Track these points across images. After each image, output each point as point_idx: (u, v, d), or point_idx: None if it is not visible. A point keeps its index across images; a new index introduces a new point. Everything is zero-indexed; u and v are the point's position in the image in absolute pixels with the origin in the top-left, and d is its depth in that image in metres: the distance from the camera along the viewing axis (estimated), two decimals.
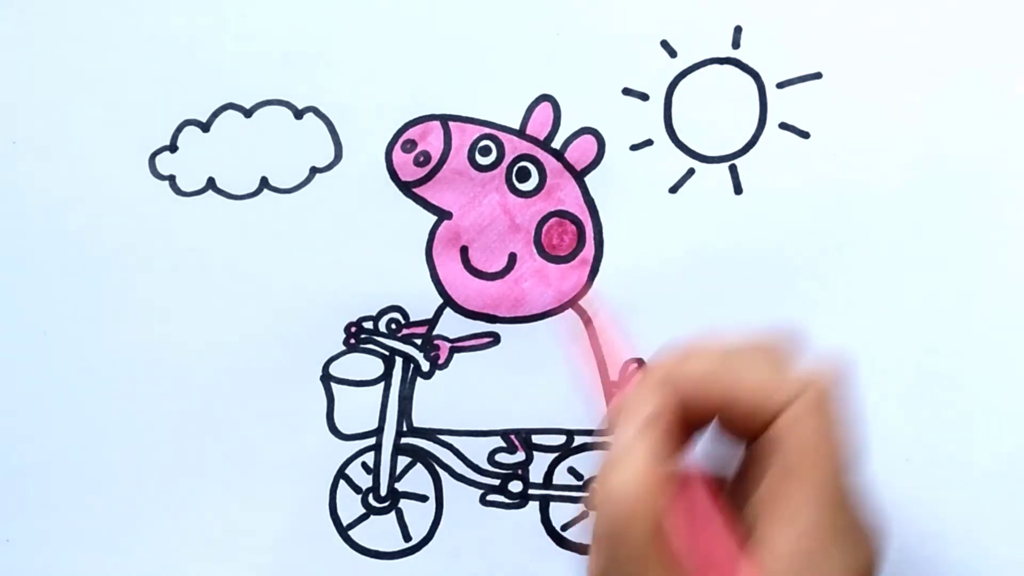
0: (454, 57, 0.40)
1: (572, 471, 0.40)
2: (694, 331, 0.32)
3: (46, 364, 0.40)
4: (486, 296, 0.40)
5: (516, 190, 0.40)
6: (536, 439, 0.40)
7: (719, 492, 0.30)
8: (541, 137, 0.40)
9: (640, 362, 0.39)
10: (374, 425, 0.40)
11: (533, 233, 0.40)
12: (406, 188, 0.40)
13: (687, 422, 0.31)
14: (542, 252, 0.40)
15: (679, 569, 0.28)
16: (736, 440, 0.32)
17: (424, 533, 0.40)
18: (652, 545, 0.28)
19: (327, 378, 0.40)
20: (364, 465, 0.40)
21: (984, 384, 0.39)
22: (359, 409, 0.40)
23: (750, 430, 0.30)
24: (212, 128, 0.40)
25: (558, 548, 0.40)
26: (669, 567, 0.28)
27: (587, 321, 0.40)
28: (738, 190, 0.39)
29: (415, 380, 0.40)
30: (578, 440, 0.40)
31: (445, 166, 0.40)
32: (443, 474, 0.40)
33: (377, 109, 0.40)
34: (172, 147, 0.40)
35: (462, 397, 0.40)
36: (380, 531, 0.40)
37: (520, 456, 0.40)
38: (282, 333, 0.40)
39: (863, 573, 0.29)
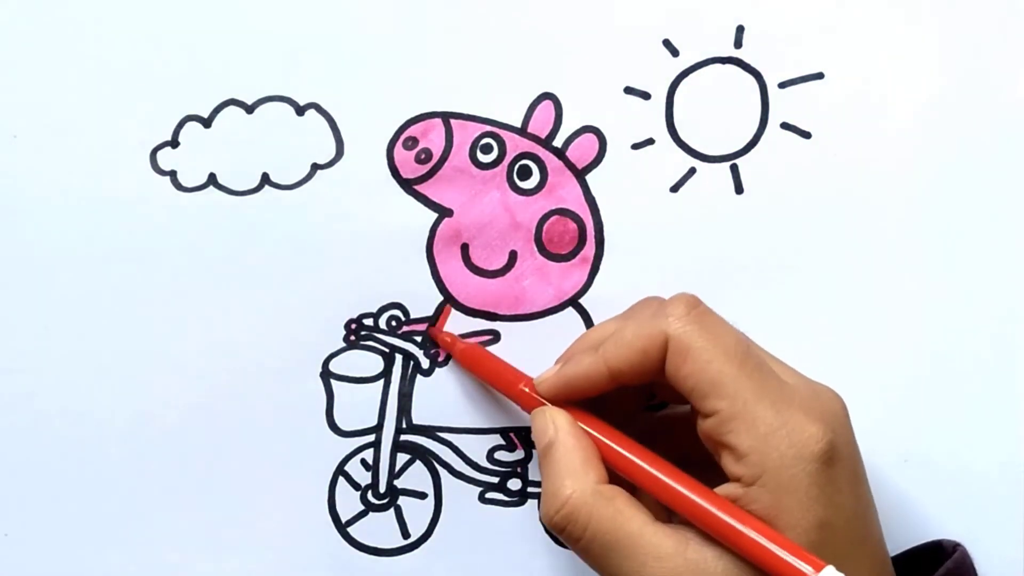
0: (456, 55, 0.40)
1: None
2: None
3: (46, 359, 0.40)
4: (486, 294, 0.40)
5: (517, 188, 0.40)
6: None
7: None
8: (542, 135, 0.40)
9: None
10: (373, 422, 0.40)
11: (534, 231, 0.40)
12: (407, 185, 0.40)
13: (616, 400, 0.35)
14: (543, 250, 0.40)
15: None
16: (668, 397, 0.35)
17: (423, 530, 0.40)
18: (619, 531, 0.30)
19: (327, 375, 0.40)
20: (363, 462, 0.40)
21: (983, 384, 0.39)
22: (359, 406, 0.40)
23: (659, 383, 0.32)
24: (214, 124, 0.40)
25: (557, 546, 0.40)
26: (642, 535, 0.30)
27: (587, 319, 0.40)
28: (739, 190, 0.39)
29: (415, 377, 0.40)
30: None
31: (446, 164, 0.40)
32: (442, 471, 0.40)
33: (379, 106, 0.40)
34: (173, 143, 0.40)
35: (462, 395, 0.40)
36: (379, 528, 0.40)
37: (519, 454, 0.40)
38: (282, 329, 0.40)
39: (836, 415, 0.31)
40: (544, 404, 0.35)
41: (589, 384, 0.33)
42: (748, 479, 0.29)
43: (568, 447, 0.32)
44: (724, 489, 0.30)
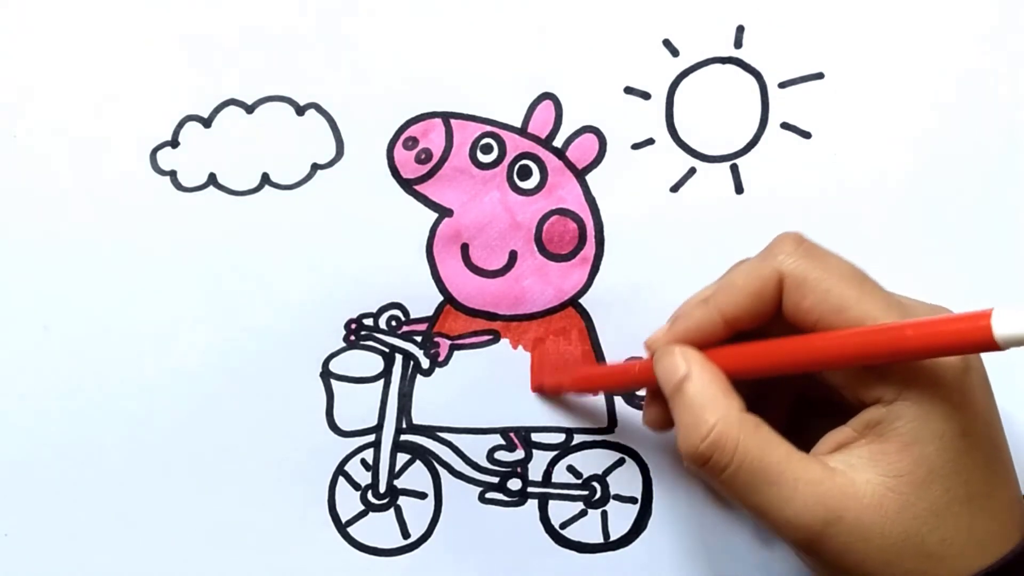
0: (456, 55, 0.40)
1: (571, 469, 0.40)
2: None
3: (47, 359, 0.40)
4: (486, 294, 0.40)
5: (517, 188, 0.40)
6: (535, 437, 0.40)
7: None
8: (542, 135, 0.40)
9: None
10: (374, 422, 0.40)
11: (534, 231, 0.40)
12: (407, 185, 0.40)
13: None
14: (543, 250, 0.40)
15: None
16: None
17: (423, 530, 0.40)
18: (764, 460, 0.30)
19: (327, 375, 0.40)
20: (363, 462, 0.40)
21: None
22: (359, 406, 0.40)
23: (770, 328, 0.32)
24: (214, 124, 0.40)
25: (556, 546, 0.40)
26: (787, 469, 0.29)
27: (587, 319, 0.40)
28: (739, 190, 0.39)
29: (415, 377, 0.40)
30: (577, 438, 0.40)
31: (446, 164, 0.40)
32: (442, 471, 0.40)
33: (379, 106, 0.40)
34: (174, 142, 0.40)
35: (462, 395, 0.40)
36: (379, 528, 0.40)
37: (519, 454, 0.40)
38: (282, 329, 0.40)
39: None
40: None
41: (703, 335, 0.32)
42: (890, 396, 0.29)
43: (705, 380, 0.31)
44: (865, 415, 0.30)
